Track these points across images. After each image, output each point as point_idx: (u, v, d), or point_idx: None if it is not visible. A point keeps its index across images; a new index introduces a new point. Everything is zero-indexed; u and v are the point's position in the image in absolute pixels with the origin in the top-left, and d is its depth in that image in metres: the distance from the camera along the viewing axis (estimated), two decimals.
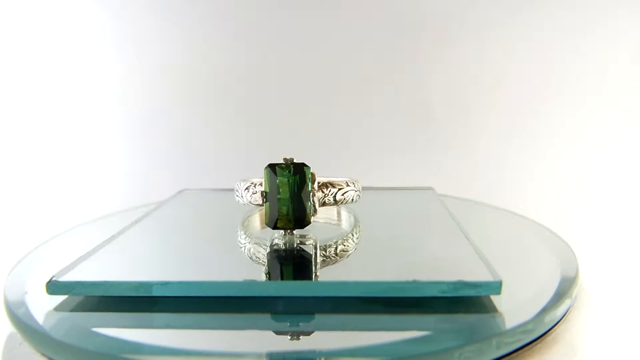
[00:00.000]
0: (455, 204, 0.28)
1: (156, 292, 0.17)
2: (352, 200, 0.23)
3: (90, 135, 0.45)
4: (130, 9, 0.44)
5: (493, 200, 0.31)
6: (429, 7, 0.42)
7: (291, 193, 0.21)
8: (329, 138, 0.46)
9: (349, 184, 0.23)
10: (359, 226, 0.24)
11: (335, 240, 0.22)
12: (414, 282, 0.16)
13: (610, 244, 0.42)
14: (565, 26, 0.41)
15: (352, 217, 0.26)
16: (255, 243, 0.22)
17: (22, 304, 0.18)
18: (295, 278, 0.19)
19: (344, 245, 0.22)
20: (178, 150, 0.46)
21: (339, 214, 0.27)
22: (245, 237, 0.23)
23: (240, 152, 0.45)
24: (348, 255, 0.21)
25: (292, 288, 0.17)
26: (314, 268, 0.19)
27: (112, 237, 0.23)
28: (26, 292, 0.19)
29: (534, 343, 0.16)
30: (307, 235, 0.23)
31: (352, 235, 0.23)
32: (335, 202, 0.23)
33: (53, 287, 0.18)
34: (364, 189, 0.31)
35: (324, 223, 0.26)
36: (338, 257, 0.20)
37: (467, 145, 0.44)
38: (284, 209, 0.21)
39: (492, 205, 0.30)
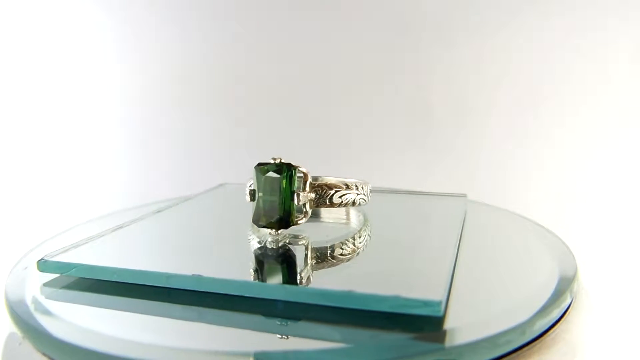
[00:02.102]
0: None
1: (126, 279, 0.18)
2: (354, 203, 0.23)
3: (90, 135, 0.45)
4: (130, 9, 0.44)
5: (493, 201, 0.31)
6: (429, 7, 0.42)
7: (276, 192, 0.21)
8: (329, 138, 0.46)
9: (351, 186, 0.23)
10: (365, 230, 0.24)
11: (332, 244, 0.22)
12: (350, 292, 0.16)
13: (610, 244, 0.42)
14: (565, 26, 0.41)
15: (360, 220, 0.26)
16: (258, 241, 0.22)
17: (23, 302, 0.18)
18: (269, 278, 0.18)
19: (342, 249, 0.21)
20: (178, 150, 0.46)
21: (347, 214, 0.27)
22: (252, 235, 0.23)
23: (240, 152, 0.45)
24: (344, 260, 0.20)
25: (236, 287, 0.17)
26: (298, 269, 0.19)
27: (120, 226, 0.24)
28: (26, 268, 0.20)
29: (533, 343, 0.16)
30: (300, 235, 0.23)
31: (353, 239, 0.23)
32: (331, 205, 0.23)
33: (43, 265, 0.19)
34: (394, 191, 0.31)
35: (334, 223, 0.26)
36: (334, 260, 0.20)
37: (467, 145, 0.44)
38: (268, 208, 0.21)
39: (492, 205, 0.30)
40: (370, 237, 0.23)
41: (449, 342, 0.15)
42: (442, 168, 0.44)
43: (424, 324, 0.15)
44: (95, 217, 0.30)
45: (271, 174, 0.21)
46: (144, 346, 0.15)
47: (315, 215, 0.26)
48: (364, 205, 0.24)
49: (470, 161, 0.44)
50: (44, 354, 0.16)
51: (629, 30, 0.40)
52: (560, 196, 0.43)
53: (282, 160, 0.21)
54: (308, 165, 0.22)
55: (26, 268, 0.21)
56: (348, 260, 0.20)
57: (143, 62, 0.45)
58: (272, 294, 0.17)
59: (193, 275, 0.18)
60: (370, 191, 0.25)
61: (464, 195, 0.29)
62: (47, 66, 0.44)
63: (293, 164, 0.21)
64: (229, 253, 0.22)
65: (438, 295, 0.15)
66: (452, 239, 0.21)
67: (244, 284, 0.17)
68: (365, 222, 0.25)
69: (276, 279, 0.18)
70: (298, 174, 0.22)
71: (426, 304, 0.15)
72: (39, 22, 0.43)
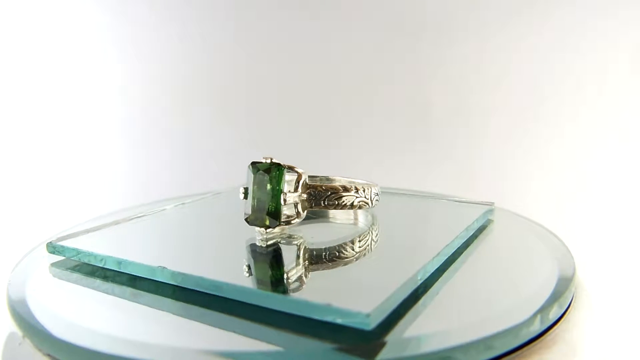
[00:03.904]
0: (455, 204, 0.28)
1: (119, 268, 0.20)
2: (353, 206, 0.23)
3: (90, 135, 0.45)
4: (130, 9, 0.44)
5: (493, 201, 0.31)
6: (429, 7, 0.42)
7: (265, 191, 0.21)
8: (329, 138, 0.46)
9: (350, 189, 0.23)
10: (368, 234, 0.24)
11: (328, 246, 0.22)
12: (285, 297, 0.16)
13: (610, 244, 0.42)
14: (565, 26, 0.41)
15: (369, 222, 0.25)
16: (259, 239, 0.23)
17: (24, 302, 0.18)
18: (240, 275, 0.19)
19: (338, 252, 0.21)
20: (178, 150, 0.46)
21: (356, 216, 0.26)
22: (257, 233, 0.23)
23: (240, 152, 0.45)
24: (328, 262, 0.20)
25: (189, 281, 0.18)
26: (283, 269, 0.19)
27: (139, 215, 0.25)
28: (41, 246, 0.21)
29: (533, 343, 0.16)
30: (295, 235, 0.23)
31: (352, 242, 0.23)
32: (326, 207, 0.22)
33: (51, 247, 0.21)
34: (417, 195, 0.30)
35: (341, 224, 0.26)
36: (317, 263, 0.20)
37: (467, 145, 0.44)
38: (258, 207, 0.21)
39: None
40: (369, 241, 0.23)
41: (385, 354, 0.14)
42: (442, 168, 0.44)
43: (365, 336, 0.15)
44: (94, 217, 0.30)
45: (261, 172, 0.21)
46: (142, 346, 0.15)
47: (324, 216, 0.26)
48: (371, 208, 0.24)
49: (470, 161, 0.44)
50: (45, 354, 0.16)
51: (629, 30, 0.40)
52: (560, 196, 0.43)
53: (273, 160, 0.22)
54: (310, 165, 0.22)
55: (39, 246, 0.23)
56: (332, 263, 0.20)
57: (143, 62, 0.45)
58: (216, 290, 0.17)
59: (158, 266, 0.18)
60: (377, 194, 0.24)
61: (491, 204, 0.27)
62: (47, 66, 0.44)
63: (283, 163, 0.21)
64: (225, 249, 0.22)
65: (368, 307, 0.15)
66: (438, 248, 0.20)
67: (196, 278, 0.18)
68: (371, 225, 0.25)
69: (246, 277, 0.18)
70: (290, 174, 0.22)
71: (354, 315, 0.15)
72: (39, 23, 0.43)
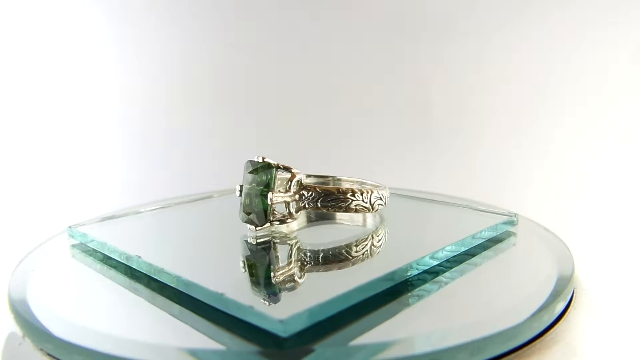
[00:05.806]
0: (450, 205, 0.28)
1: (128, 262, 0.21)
2: (348, 209, 0.22)
3: (90, 136, 0.45)
4: (130, 9, 0.44)
5: (493, 201, 0.31)
6: (429, 7, 0.42)
7: (254, 190, 0.21)
8: (329, 138, 0.46)
9: (346, 191, 0.22)
10: (369, 237, 0.23)
11: (323, 248, 0.21)
12: (222, 295, 0.16)
13: (610, 244, 0.42)
14: (566, 26, 0.41)
15: (376, 224, 0.25)
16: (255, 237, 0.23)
17: (25, 302, 0.18)
18: (219, 272, 0.19)
19: (332, 254, 0.21)
20: (178, 150, 0.46)
21: (364, 218, 0.26)
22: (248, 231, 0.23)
23: (239, 153, 0.45)
24: (311, 264, 0.19)
25: (154, 271, 0.19)
26: (272, 267, 0.19)
27: (163, 206, 0.27)
28: (33, 270, 0.21)
29: (533, 343, 0.16)
30: (290, 235, 0.23)
31: (348, 247, 0.22)
32: (318, 209, 0.22)
33: (71, 232, 0.23)
34: (436, 200, 0.29)
35: (349, 226, 0.25)
36: (322, 264, 0.20)
37: (467, 145, 0.44)
38: (247, 204, 0.22)
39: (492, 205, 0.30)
40: (368, 244, 0.22)
41: None
42: (441, 168, 0.44)
43: (294, 342, 0.14)
44: (93, 218, 0.30)
45: (253, 171, 0.22)
46: (143, 345, 0.15)
47: (333, 217, 0.26)
48: (372, 212, 0.24)
49: (470, 161, 0.44)
50: (46, 354, 0.16)
51: (629, 30, 0.40)
52: (560, 196, 0.43)
53: (265, 159, 0.22)
54: (310, 165, 0.22)
55: (38, 248, 0.24)
56: (325, 265, 0.19)
57: (143, 62, 0.45)
58: (171, 281, 0.18)
59: (136, 256, 0.20)
60: (381, 198, 0.24)
61: (513, 215, 0.25)
62: (47, 66, 0.44)
63: (275, 163, 0.21)
64: (216, 246, 0.22)
65: (283, 314, 0.14)
66: (425, 252, 0.19)
67: (156, 269, 0.19)
68: (376, 229, 0.24)
69: (220, 273, 0.19)
70: (282, 174, 0.22)
71: (269, 320, 0.14)
72: (39, 23, 0.43)
